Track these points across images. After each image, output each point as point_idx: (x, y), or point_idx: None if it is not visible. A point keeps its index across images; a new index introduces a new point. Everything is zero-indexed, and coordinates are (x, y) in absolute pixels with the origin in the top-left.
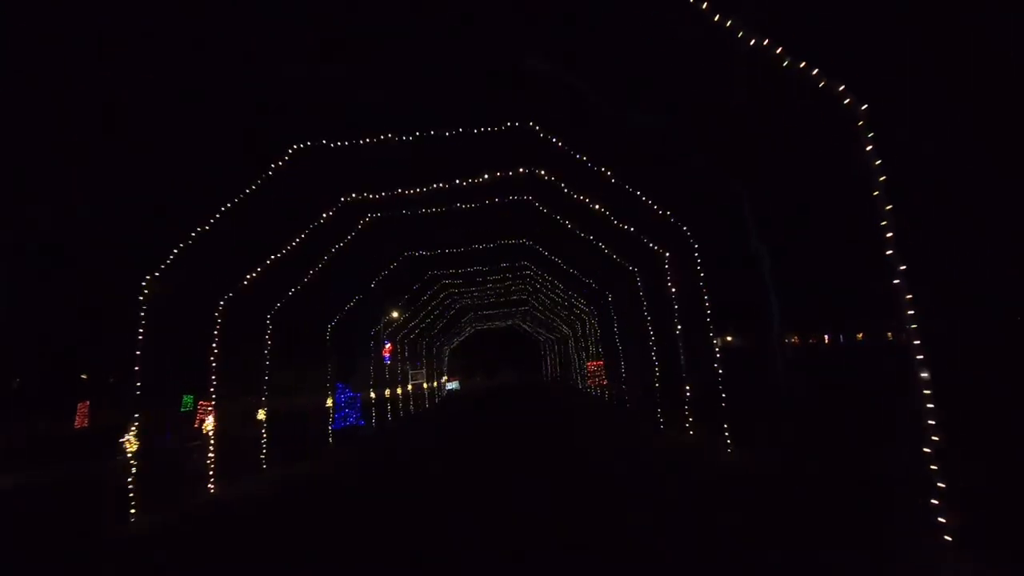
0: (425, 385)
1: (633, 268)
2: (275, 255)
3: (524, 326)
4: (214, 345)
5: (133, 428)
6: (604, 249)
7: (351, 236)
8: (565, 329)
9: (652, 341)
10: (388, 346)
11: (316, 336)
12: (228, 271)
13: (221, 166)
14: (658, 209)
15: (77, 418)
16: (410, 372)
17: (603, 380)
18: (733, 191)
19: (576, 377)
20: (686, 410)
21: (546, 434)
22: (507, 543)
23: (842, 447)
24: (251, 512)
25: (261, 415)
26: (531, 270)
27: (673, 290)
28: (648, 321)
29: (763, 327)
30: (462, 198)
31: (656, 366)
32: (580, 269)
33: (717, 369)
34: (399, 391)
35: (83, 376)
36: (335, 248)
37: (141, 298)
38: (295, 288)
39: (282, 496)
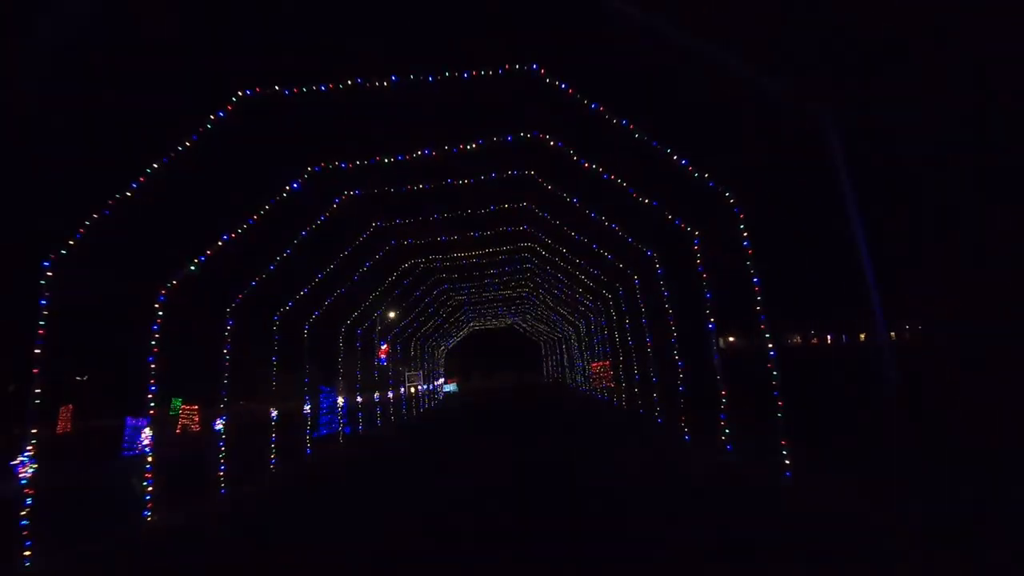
0: (420, 387)
1: (652, 253)
2: (233, 233)
3: (523, 325)
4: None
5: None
6: (618, 230)
7: (325, 216)
8: (567, 328)
9: (675, 337)
10: (384, 347)
11: (296, 335)
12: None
13: None
14: (693, 171)
15: (59, 422)
16: (407, 374)
17: (608, 382)
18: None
19: (579, 379)
20: (721, 419)
21: (551, 444)
22: None
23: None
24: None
25: (219, 424)
26: (532, 263)
27: (705, 276)
28: (669, 314)
29: (825, 321)
30: (452, 170)
31: (680, 366)
32: (587, 258)
33: (772, 370)
34: (389, 395)
35: (81, 378)
36: (306, 230)
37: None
38: (259, 278)
39: (216, 530)
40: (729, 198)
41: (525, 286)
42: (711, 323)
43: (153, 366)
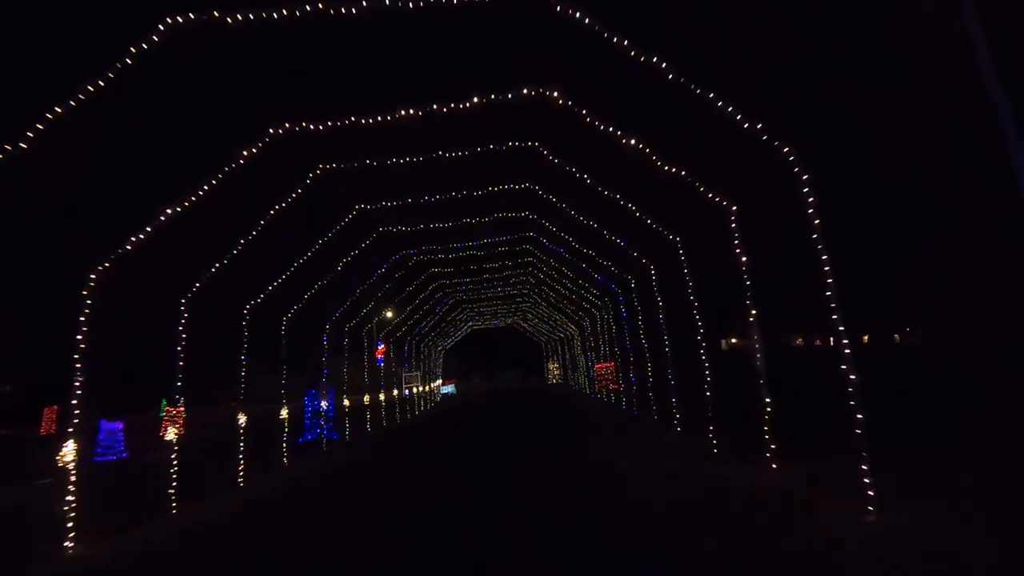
0: (416, 389)
1: (674, 237)
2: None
3: (524, 325)
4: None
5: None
6: (634, 210)
7: (295, 193)
8: (570, 327)
9: (700, 335)
10: (381, 347)
11: (273, 332)
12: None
13: None
14: (744, 122)
15: (43, 424)
16: (404, 375)
17: (614, 384)
18: None
19: (583, 380)
20: (765, 432)
21: (549, 451)
22: None
23: None
24: None
25: (171, 434)
26: (533, 255)
27: (744, 259)
28: (695, 307)
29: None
30: (443, 137)
31: (707, 368)
32: (596, 246)
33: (847, 372)
34: (381, 397)
35: (79, 381)
36: (273, 208)
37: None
38: (218, 264)
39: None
40: (787, 153)
41: (526, 282)
42: (752, 316)
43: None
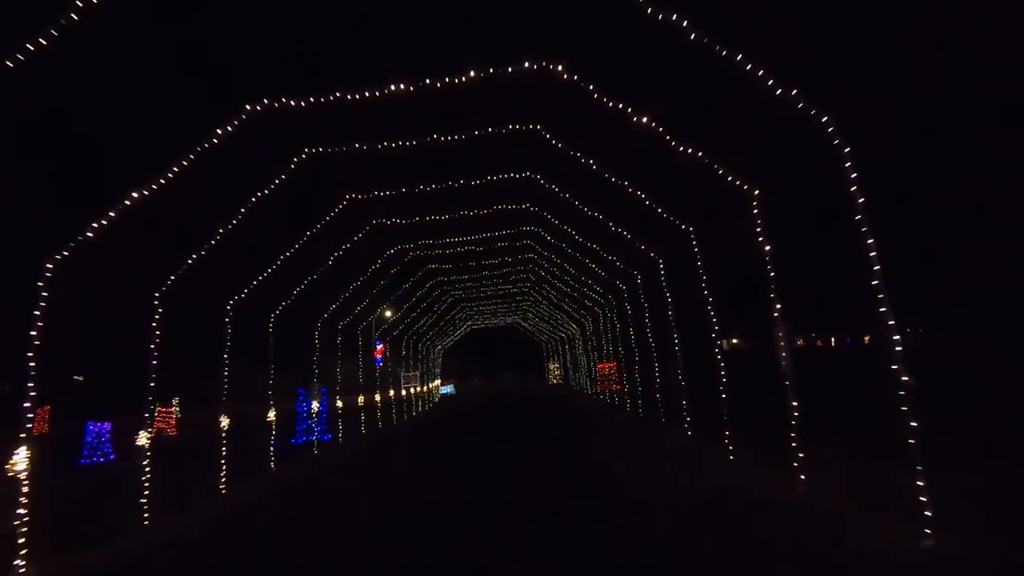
0: (414, 390)
1: (687, 227)
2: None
3: (524, 324)
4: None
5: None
6: (643, 198)
7: (279, 179)
8: (572, 326)
9: (714, 332)
10: (380, 347)
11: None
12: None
13: None
14: (775, 87)
15: (35, 424)
16: (403, 375)
17: (616, 385)
18: None
19: (585, 381)
20: (791, 437)
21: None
22: None
23: None
24: None
25: (143, 438)
26: (534, 251)
27: (768, 249)
28: (710, 303)
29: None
30: (442, 122)
31: (721, 367)
32: (600, 240)
33: (899, 373)
34: (377, 397)
35: (77, 377)
36: (261, 194)
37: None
38: (195, 255)
39: None
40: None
41: (527, 279)
42: (776, 310)
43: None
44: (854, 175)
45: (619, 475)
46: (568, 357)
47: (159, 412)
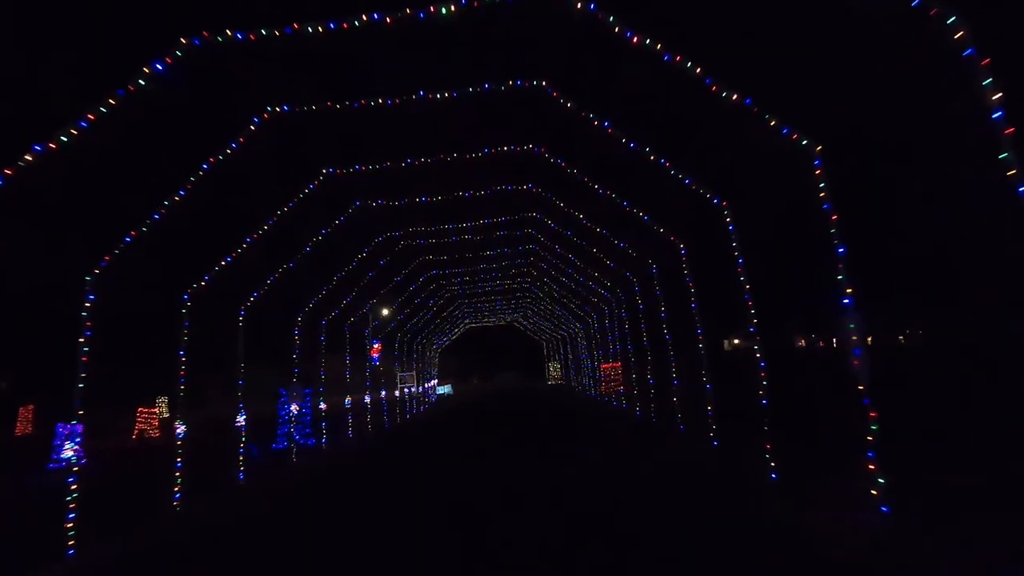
0: (408, 390)
1: (722, 201)
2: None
3: (524, 323)
4: None
5: None
6: (668, 167)
7: (237, 143)
8: (574, 324)
9: (753, 326)
10: (376, 346)
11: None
12: None
13: None
14: None
15: (18, 424)
16: (398, 375)
17: (620, 386)
18: None
19: (586, 381)
20: (867, 457)
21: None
22: None
23: None
24: None
25: (69, 451)
26: (535, 243)
27: (835, 218)
28: (747, 292)
29: None
30: (430, 79)
31: (762, 367)
32: (612, 223)
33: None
34: (367, 399)
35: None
36: (213, 160)
37: None
38: (137, 231)
39: None
40: None
41: (528, 274)
42: (848, 298)
43: None
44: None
45: (653, 512)
46: (570, 357)
47: (140, 413)
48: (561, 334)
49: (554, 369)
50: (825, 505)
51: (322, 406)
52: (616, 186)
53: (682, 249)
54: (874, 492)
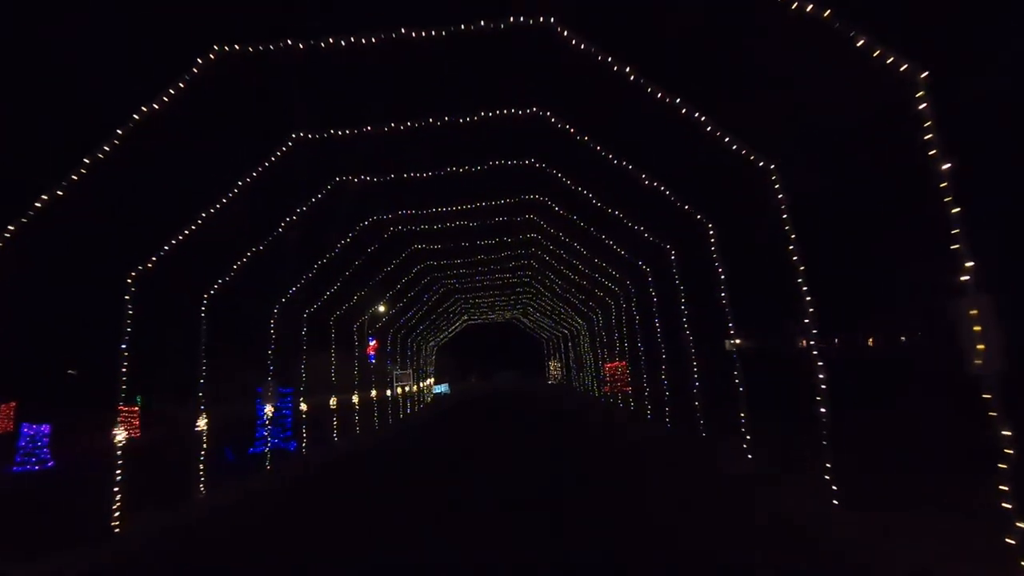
0: (401, 390)
1: (770, 165)
2: None
3: (524, 320)
4: None
5: None
6: (704, 122)
7: (179, 85)
8: (576, 322)
9: (808, 317)
10: (373, 343)
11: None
12: None
13: None
14: None
15: None
16: (394, 374)
17: (625, 387)
18: None
19: (589, 382)
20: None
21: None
22: None
23: None
24: None
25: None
26: (539, 229)
27: (947, 166)
28: (801, 275)
29: None
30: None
31: (819, 367)
32: (627, 202)
33: None
34: (355, 399)
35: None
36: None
37: None
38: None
39: None
40: None
41: (529, 266)
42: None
43: None
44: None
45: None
46: (571, 356)
47: (122, 411)
48: (563, 331)
49: (555, 368)
50: (929, 548)
51: (302, 407)
52: (630, 155)
53: (711, 229)
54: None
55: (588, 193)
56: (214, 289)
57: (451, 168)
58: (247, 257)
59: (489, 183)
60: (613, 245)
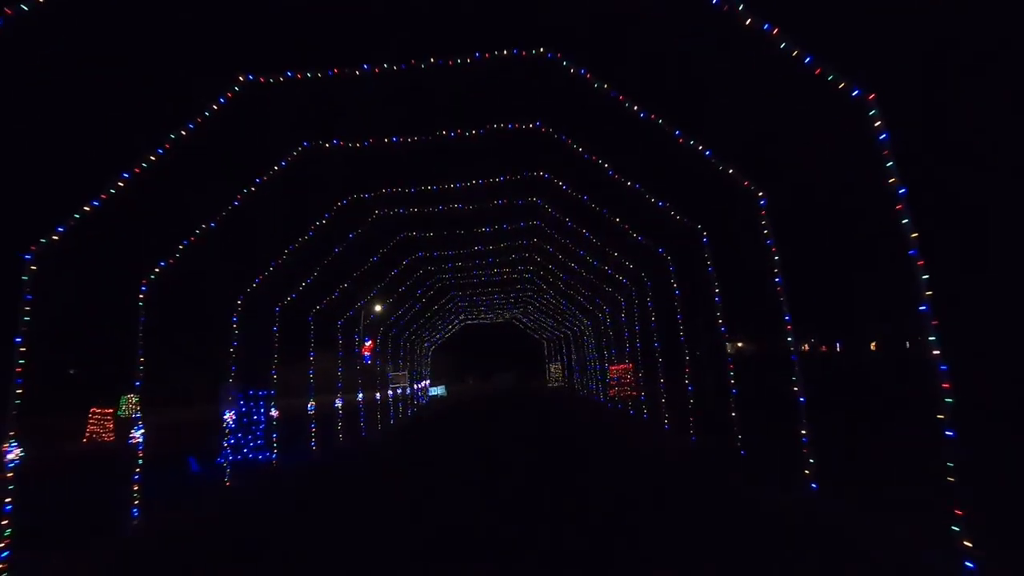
0: (392, 392)
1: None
2: None
3: (524, 320)
4: None
5: None
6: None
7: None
8: (579, 321)
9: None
10: (369, 343)
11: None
12: None
13: None
14: None
15: None
16: (388, 375)
17: (637, 391)
18: None
19: (592, 384)
20: None
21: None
22: None
23: None
24: None
25: None
26: (542, 214)
27: None
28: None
29: None
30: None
31: (944, 362)
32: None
33: None
34: (338, 403)
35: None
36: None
37: None
38: None
39: None
40: None
41: (531, 259)
42: None
43: None
44: None
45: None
46: (573, 358)
47: (93, 413)
48: (564, 332)
49: (555, 370)
50: None
51: (273, 413)
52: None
53: (762, 199)
54: None
55: (605, 164)
56: (154, 274)
57: (442, 132)
58: (196, 234)
59: (488, 154)
60: (629, 229)
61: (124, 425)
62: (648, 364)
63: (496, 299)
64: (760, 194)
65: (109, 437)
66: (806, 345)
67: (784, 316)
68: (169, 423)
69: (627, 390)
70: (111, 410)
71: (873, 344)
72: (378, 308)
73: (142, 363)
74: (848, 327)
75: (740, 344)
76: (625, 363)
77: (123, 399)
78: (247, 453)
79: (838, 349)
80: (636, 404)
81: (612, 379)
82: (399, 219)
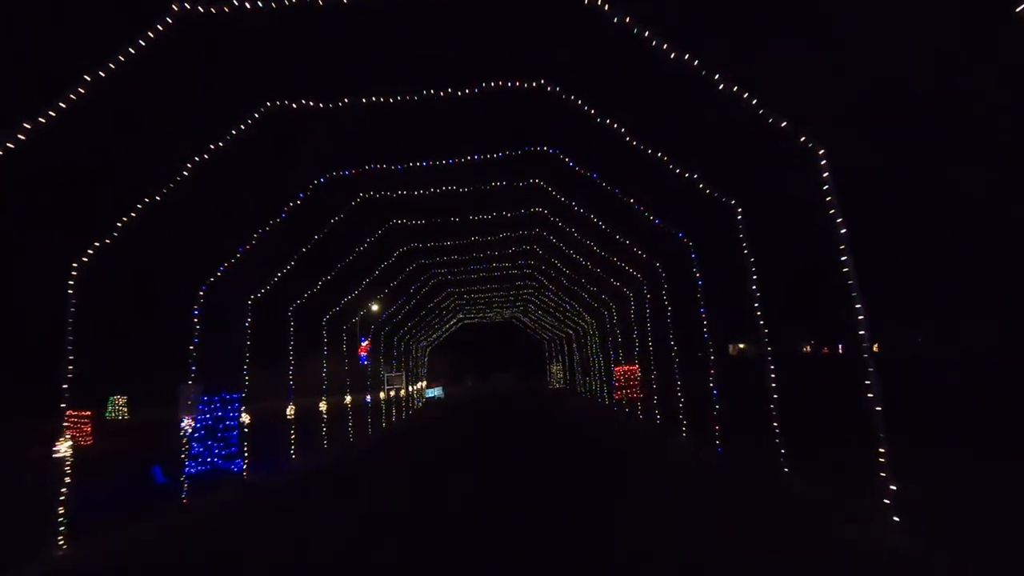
0: (386, 395)
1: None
2: None
3: (524, 320)
4: None
5: None
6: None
7: None
8: (584, 319)
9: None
10: (365, 343)
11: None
12: None
13: None
14: None
15: None
16: (384, 376)
17: (637, 393)
18: None
19: (596, 387)
20: None
21: None
22: None
23: None
24: None
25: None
26: (546, 199)
27: None
28: None
29: None
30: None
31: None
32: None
33: None
34: (323, 406)
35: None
36: None
37: None
38: None
39: None
40: None
41: (531, 253)
42: None
43: None
44: None
45: None
46: (575, 358)
47: (69, 417)
48: (567, 331)
49: (557, 371)
50: None
51: (244, 419)
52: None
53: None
54: None
55: (620, 128)
56: (87, 255)
57: (439, 115)
58: (143, 207)
59: (485, 121)
60: (642, 209)
61: (111, 429)
62: (661, 364)
63: (495, 297)
64: (822, 157)
65: (86, 442)
66: (807, 347)
67: (857, 310)
68: (152, 424)
69: (634, 393)
70: (88, 413)
71: (875, 345)
72: (369, 303)
73: (70, 363)
74: (852, 328)
75: (742, 346)
76: (633, 364)
77: (110, 400)
78: (215, 462)
79: (840, 351)
80: (645, 408)
81: (617, 381)
82: (385, 204)
